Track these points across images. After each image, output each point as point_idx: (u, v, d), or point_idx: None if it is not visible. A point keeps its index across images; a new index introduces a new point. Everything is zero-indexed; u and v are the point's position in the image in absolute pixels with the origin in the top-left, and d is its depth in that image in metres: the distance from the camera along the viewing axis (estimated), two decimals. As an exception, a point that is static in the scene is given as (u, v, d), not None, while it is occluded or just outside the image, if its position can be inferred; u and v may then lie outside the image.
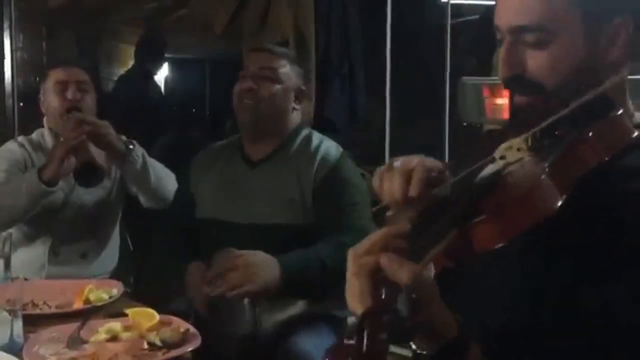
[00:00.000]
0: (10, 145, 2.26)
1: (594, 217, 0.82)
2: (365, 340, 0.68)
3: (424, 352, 0.79)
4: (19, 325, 1.36)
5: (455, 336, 0.77)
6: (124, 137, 2.21)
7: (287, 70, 1.95)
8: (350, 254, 0.80)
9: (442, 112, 3.63)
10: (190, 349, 1.35)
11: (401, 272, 0.74)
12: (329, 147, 1.93)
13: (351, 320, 1.26)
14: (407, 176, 0.94)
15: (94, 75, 2.38)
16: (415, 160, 0.96)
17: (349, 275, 0.79)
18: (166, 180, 2.22)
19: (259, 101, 1.89)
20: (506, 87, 0.96)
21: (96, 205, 2.25)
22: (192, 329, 1.44)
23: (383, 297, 0.75)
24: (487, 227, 0.78)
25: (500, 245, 0.77)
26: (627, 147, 0.83)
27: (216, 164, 2.01)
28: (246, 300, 1.78)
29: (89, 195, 2.22)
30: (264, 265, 1.66)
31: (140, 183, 2.19)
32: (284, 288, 1.67)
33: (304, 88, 2.00)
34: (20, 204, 2.01)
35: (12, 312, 1.35)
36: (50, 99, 2.21)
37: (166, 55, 4.97)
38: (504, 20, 0.94)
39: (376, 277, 0.76)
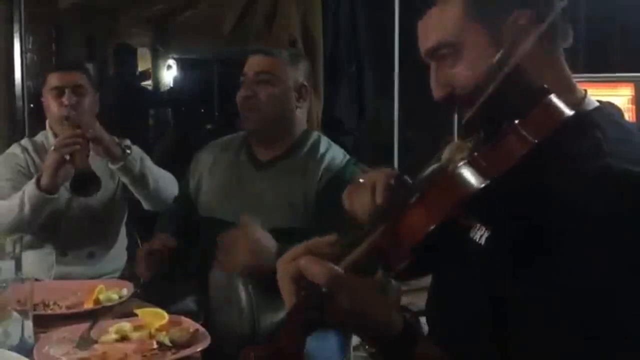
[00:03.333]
0: (14, 149, 2.26)
1: (528, 199, 0.85)
2: (282, 335, 0.80)
3: (373, 350, 0.85)
4: (29, 325, 1.37)
5: (399, 332, 0.83)
6: (128, 141, 2.21)
7: (284, 69, 1.89)
8: (278, 262, 0.89)
9: (450, 111, 3.62)
10: (199, 348, 1.36)
11: (316, 270, 0.82)
12: (335, 153, 1.90)
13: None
14: (373, 188, 1.06)
15: (94, 78, 2.36)
16: (378, 173, 1.07)
17: (278, 280, 0.88)
18: (166, 184, 2.21)
19: (259, 107, 1.86)
20: (443, 104, 1.02)
21: (101, 205, 2.25)
22: (202, 329, 1.44)
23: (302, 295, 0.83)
24: (411, 217, 0.84)
25: (423, 233, 0.81)
26: (560, 129, 0.85)
27: (221, 161, 1.98)
28: (245, 300, 1.77)
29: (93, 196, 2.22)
30: (262, 241, 1.61)
31: (139, 187, 2.18)
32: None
33: (306, 84, 1.93)
34: (25, 215, 2.00)
35: (23, 313, 1.36)
36: (49, 104, 2.21)
37: (175, 56, 4.99)
38: (421, 47, 1.03)
39: (300, 281, 0.84)
